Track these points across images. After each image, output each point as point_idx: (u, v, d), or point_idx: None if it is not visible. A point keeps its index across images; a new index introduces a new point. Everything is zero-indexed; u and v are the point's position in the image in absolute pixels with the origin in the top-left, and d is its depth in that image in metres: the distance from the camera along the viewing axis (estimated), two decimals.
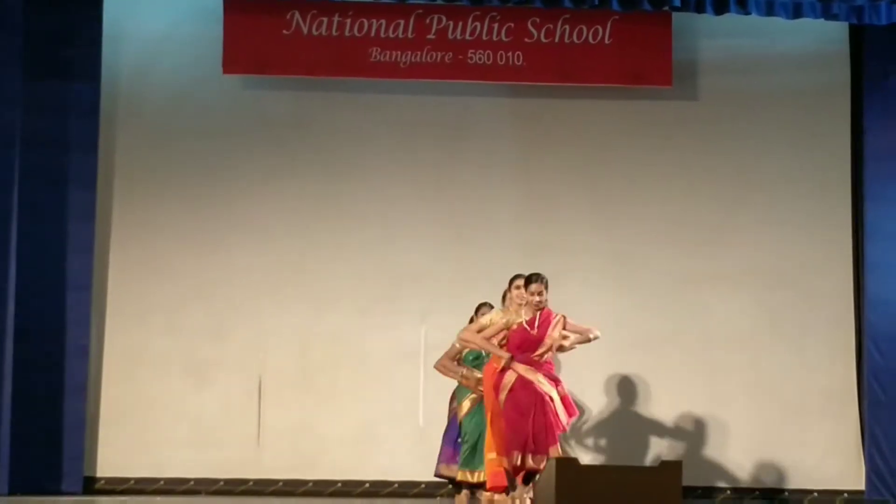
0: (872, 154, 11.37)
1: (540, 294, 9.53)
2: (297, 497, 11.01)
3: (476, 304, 10.29)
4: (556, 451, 9.36)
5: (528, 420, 9.40)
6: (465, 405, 10.20)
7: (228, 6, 11.20)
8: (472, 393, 10.15)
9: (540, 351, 9.53)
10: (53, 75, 11.07)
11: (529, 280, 9.60)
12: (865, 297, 11.34)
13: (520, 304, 9.69)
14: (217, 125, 11.52)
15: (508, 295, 9.98)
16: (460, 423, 10.21)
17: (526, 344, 9.54)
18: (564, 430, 9.61)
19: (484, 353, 9.96)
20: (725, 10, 10.85)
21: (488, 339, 9.64)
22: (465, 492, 10.18)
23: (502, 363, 9.54)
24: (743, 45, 11.66)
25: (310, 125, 11.56)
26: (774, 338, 11.48)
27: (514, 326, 9.59)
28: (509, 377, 9.53)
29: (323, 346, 11.38)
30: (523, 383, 9.48)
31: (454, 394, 10.41)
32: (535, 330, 9.56)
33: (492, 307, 10.14)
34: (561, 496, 7.35)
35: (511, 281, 9.94)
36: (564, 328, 9.62)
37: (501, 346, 9.60)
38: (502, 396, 9.53)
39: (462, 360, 10.26)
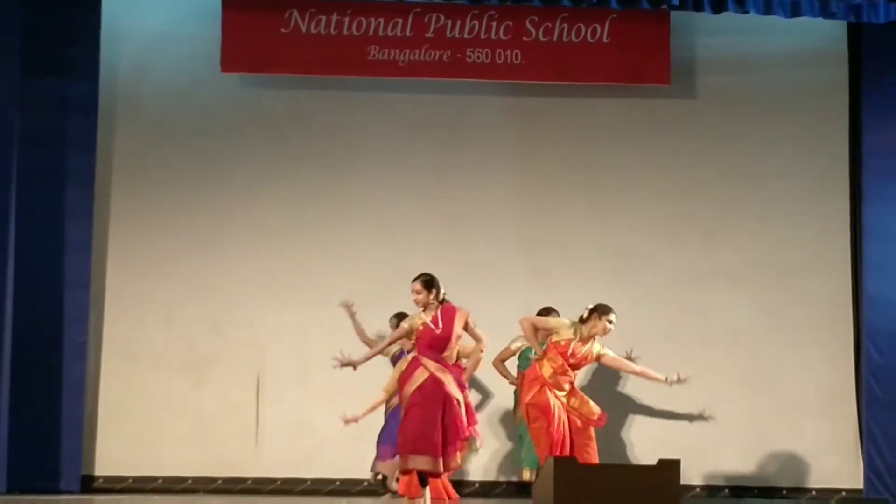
0: (870, 152, 11.36)
1: (418, 293, 9.53)
2: (296, 495, 11.02)
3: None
4: (458, 458, 9.39)
5: (433, 422, 9.36)
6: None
7: (227, 4, 11.20)
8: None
9: (447, 351, 9.51)
10: (52, 73, 11.06)
11: (435, 282, 9.60)
12: (864, 295, 11.34)
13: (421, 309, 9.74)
14: (215, 123, 11.53)
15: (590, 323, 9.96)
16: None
17: (435, 342, 9.50)
18: (468, 436, 9.50)
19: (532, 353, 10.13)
20: (724, 9, 10.85)
21: (389, 342, 9.85)
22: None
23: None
24: (741, 44, 11.67)
25: (308, 123, 11.57)
26: (773, 335, 11.49)
27: (420, 327, 9.56)
28: (420, 374, 9.50)
29: (321, 344, 11.34)
30: (434, 382, 9.45)
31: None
32: (440, 328, 9.56)
33: (556, 312, 10.42)
34: (559, 495, 7.34)
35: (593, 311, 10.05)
36: (465, 327, 9.58)
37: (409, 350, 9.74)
38: (409, 390, 9.49)
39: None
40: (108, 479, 11.10)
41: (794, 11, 10.89)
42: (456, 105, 11.64)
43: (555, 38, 11.35)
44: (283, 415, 11.27)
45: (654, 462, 7.87)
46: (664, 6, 10.95)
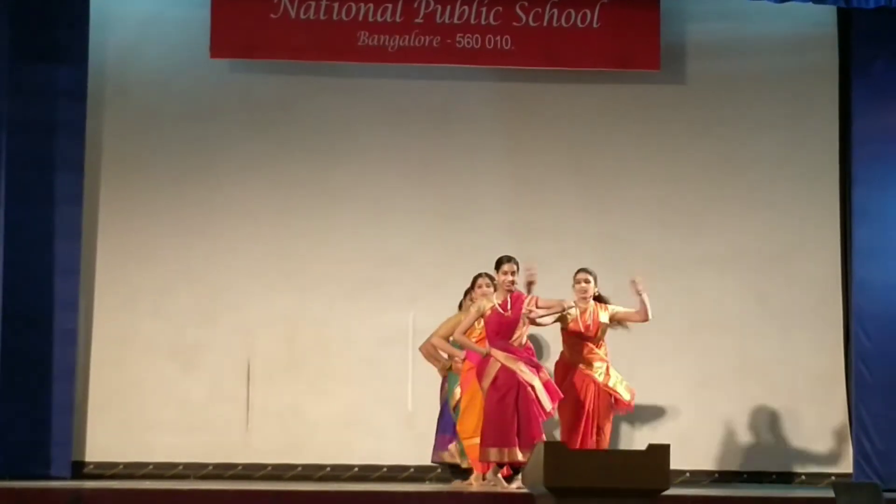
0: (860, 137, 11.36)
1: (512, 274, 9.69)
2: (286, 481, 11.01)
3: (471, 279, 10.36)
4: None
5: (509, 412, 9.48)
6: (457, 392, 10.19)
7: None
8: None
9: (516, 334, 9.59)
10: (40, 58, 11.02)
11: (500, 262, 9.75)
12: (853, 280, 11.34)
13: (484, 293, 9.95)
14: (204, 109, 11.51)
15: (472, 293, 10.18)
16: (453, 409, 10.22)
17: (503, 328, 9.62)
18: (549, 416, 9.70)
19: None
20: None
21: (464, 333, 9.81)
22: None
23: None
24: (731, 29, 11.66)
25: (297, 109, 11.55)
26: (762, 321, 11.50)
27: (488, 312, 9.67)
28: (492, 366, 9.63)
29: (311, 331, 11.38)
30: (505, 372, 9.58)
31: (445, 379, 10.42)
32: (509, 311, 9.62)
33: (490, 277, 10.19)
34: (549, 480, 7.35)
35: (475, 278, 10.22)
36: (537, 306, 9.71)
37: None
38: (485, 384, 9.64)
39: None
40: (98, 465, 11.10)
41: None
42: (446, 90, 11.62)
43: (545, 24, 11.34)
44: (273, 401, 11.27)
45: (643, 447, 7.88)
46: None
